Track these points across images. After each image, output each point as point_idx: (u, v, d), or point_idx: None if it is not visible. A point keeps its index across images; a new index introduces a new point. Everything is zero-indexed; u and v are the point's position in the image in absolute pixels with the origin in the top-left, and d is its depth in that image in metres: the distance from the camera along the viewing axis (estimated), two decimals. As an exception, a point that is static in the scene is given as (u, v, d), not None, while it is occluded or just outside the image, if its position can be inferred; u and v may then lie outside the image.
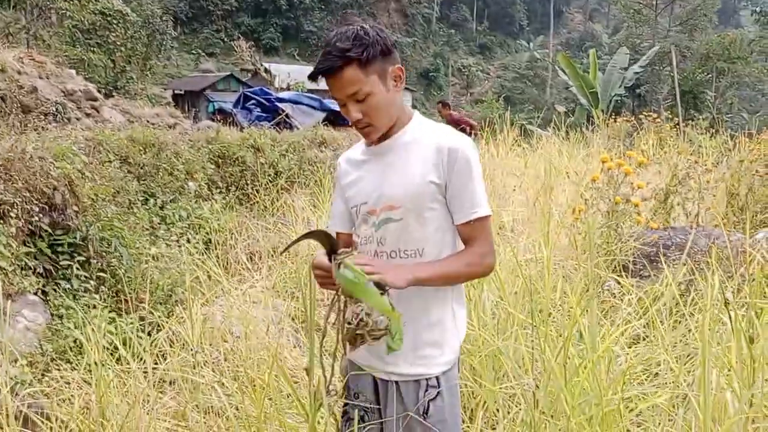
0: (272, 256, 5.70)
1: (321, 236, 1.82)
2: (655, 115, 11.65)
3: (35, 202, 4.24)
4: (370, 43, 1.83)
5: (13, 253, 4.02)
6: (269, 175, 7.99)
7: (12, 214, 4.05)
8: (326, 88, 1.94)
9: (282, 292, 4.73)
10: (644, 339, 3.28)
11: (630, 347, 3.12)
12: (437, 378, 1.92)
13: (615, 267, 4.40)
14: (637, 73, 23.83)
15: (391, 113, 1.92)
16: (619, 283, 3.80)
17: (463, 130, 11.60)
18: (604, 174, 4.89)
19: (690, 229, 4.99)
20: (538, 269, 3.87)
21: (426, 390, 1.92)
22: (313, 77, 1.89)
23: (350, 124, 1.98)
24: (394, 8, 72.15)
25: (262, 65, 28.73)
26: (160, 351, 3.55)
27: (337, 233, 2.14)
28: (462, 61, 70.90)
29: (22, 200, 4.12)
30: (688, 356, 2.82)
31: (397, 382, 1.94)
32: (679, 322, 3.34)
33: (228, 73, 40.75)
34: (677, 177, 5.65)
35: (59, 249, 4.52)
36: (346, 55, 1.80)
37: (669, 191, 5.67)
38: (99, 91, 15.28)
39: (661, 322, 3.15)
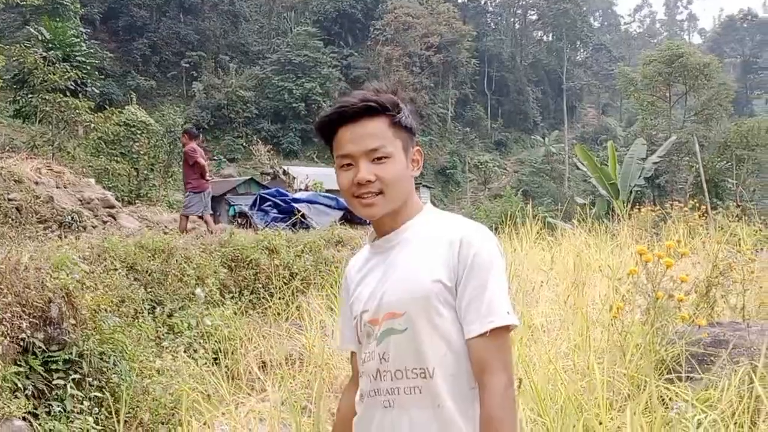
0: (284, 365, 5.31)
1: None
2: (681, 204, 11.33)
3: (26, 316, 3.93)
4: (403, 107, 1.60)
5: (0, 374, 3.69)
6: (284, 277, 7.71)
7: (-1, 331, 3.75)
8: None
9: (293, 405, 4.31)
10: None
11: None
12: None
13: (662, 370, 3.97)
14: (655, 163, 23.81)
15: (405, 192, 1.61)
16: (682, 398, 3.36)
17: (194, 165, 9.57)
18: (641, 267, 4.51)
19: (739, 324, 4.56)
20: (579, 379, 3.45)
21: None
22: (325, 125, 1.59)
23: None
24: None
25: (280, 168, 29.23)
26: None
27: (352, 353, 1.83)
28: (478, 158, 71.67)
29: (11, 315, 3.82)
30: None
31: None
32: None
33: (249, 177, 41.48)
34: (718, 268, 5.25)
35: (53, 366, 4.18)
36: (378, 104, 1.55)
37: (710, 283, 5.25)
38: (122, 199, 15.36)
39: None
